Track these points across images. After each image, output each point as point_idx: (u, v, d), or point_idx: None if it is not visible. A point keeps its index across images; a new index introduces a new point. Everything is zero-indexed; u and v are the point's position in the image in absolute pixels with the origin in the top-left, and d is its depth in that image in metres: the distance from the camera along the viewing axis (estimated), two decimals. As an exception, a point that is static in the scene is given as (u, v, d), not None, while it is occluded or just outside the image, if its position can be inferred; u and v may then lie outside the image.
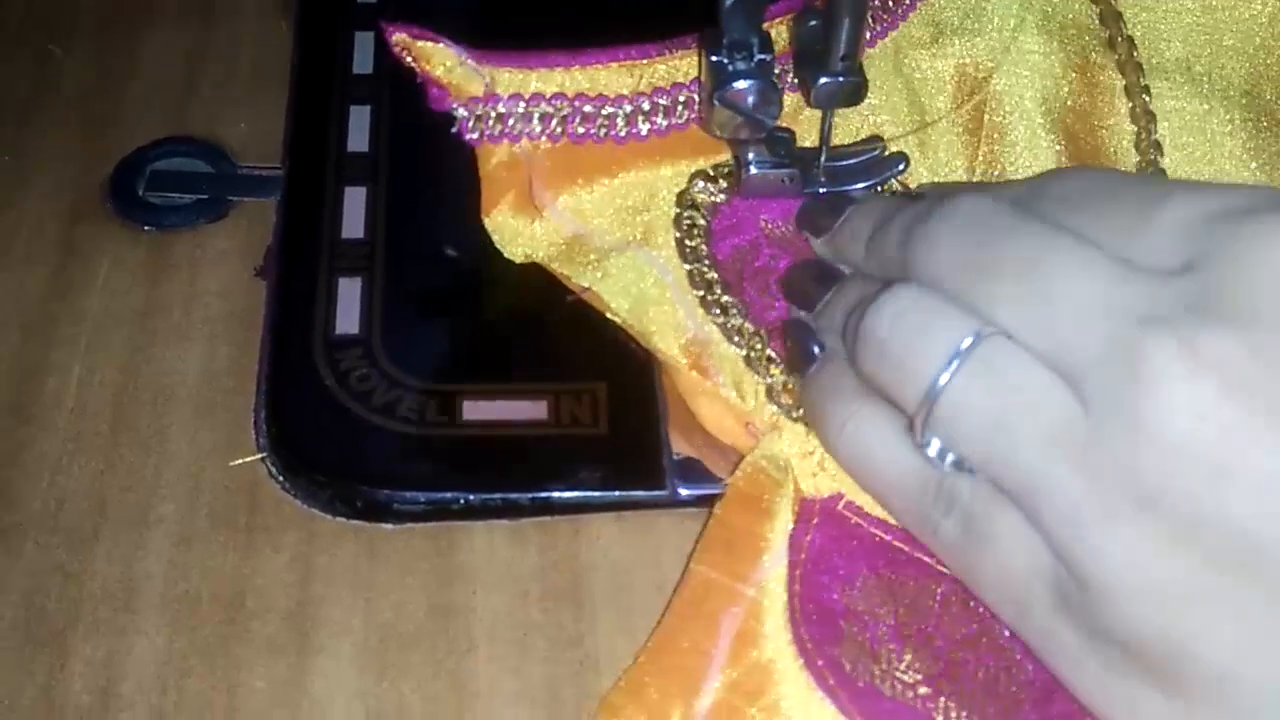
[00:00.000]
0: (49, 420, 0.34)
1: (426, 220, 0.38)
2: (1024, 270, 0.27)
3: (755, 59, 0.35)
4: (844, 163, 0.38)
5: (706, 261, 0.36)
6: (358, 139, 0.40)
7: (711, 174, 0.38)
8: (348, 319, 0.36)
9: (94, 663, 0.30)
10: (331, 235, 0.37)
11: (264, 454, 0.34)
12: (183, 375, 0.35)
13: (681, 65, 0.39)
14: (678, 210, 0.37)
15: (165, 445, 0.34)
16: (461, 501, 0.33)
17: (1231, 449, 0.24)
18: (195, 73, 0.43)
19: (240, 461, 0.34)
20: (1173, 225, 0.26)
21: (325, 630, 0.31)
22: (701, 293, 0.35)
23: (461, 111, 0.36)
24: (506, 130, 0.36)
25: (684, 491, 0.33)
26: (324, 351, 0.35)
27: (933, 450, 0.28)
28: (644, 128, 0.38)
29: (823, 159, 0.37)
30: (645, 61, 0.38)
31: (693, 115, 0.38)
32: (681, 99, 0.38)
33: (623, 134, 0.37)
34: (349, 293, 0.36)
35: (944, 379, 0.27)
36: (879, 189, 0.38)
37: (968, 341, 0.27)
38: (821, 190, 0.38)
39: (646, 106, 0.38)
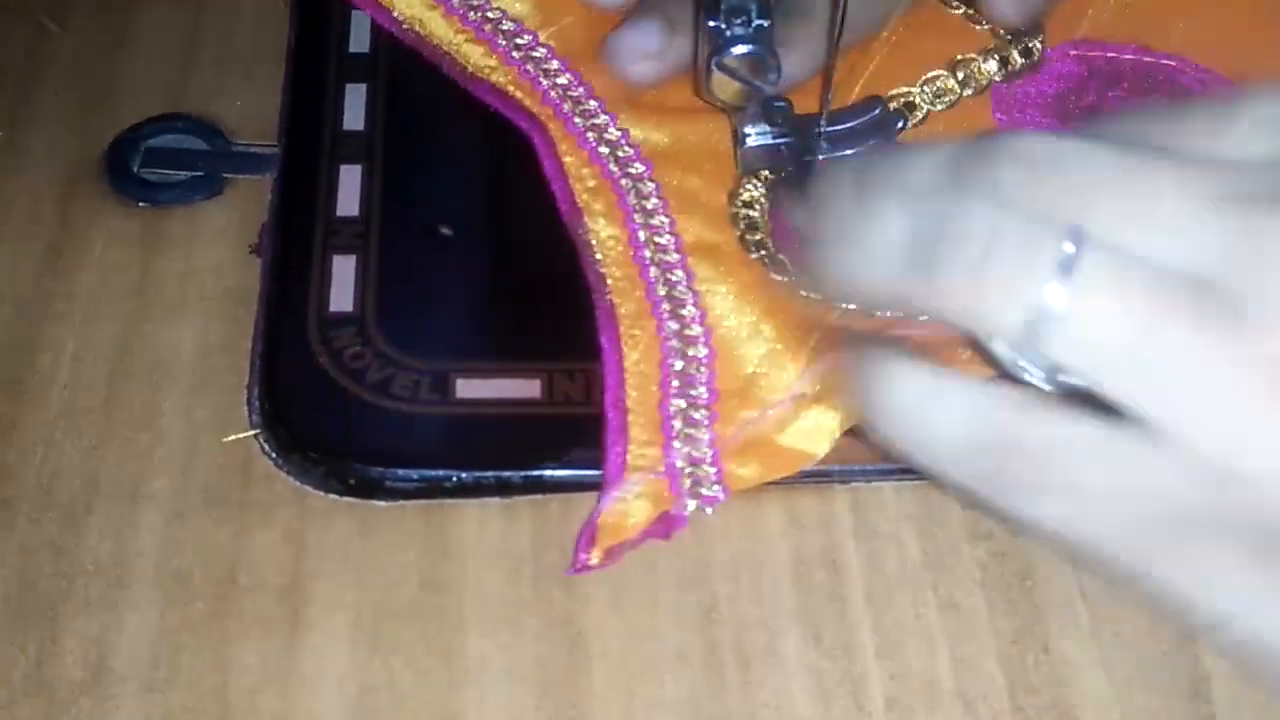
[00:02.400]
0: (42, 396, 0.34)
1: (421, 198, 0.38)
2: (1114, 179, 0.25)
3: (754, 24, 0.34)
4: (843, 126, 0.38)
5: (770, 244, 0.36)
6: (353, 117, 0.40)
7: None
8: (342, 297, 0.36)
9: (86, 638, 0.30)
10: (326, 213, 0.37)
11: (257, 431, 0.34)
12: (176, 352, 0.35)
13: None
14: (733, 209, 0.37)
15: (158, 421, 0.34)
16: (454, 479, 0.33)
17: None
18: (191, 50, 0.42)
19: (233, 438, 0.34)
20: (1256, 120, 0.26)
21: (317, 606, 0.31)
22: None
23: None
24: None
25: (676, 471, 0.33)
26: (318, 329, 0.35)
27: (1034, 377, 0.26)
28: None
29: (823, 124, 0.37)
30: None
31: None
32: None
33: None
34: (343, 270, 0.36)
35: (1055, 292, 0.24)
36: None
37: (1071, 247, 0.24)
38: (822, 157, 0.37)
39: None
